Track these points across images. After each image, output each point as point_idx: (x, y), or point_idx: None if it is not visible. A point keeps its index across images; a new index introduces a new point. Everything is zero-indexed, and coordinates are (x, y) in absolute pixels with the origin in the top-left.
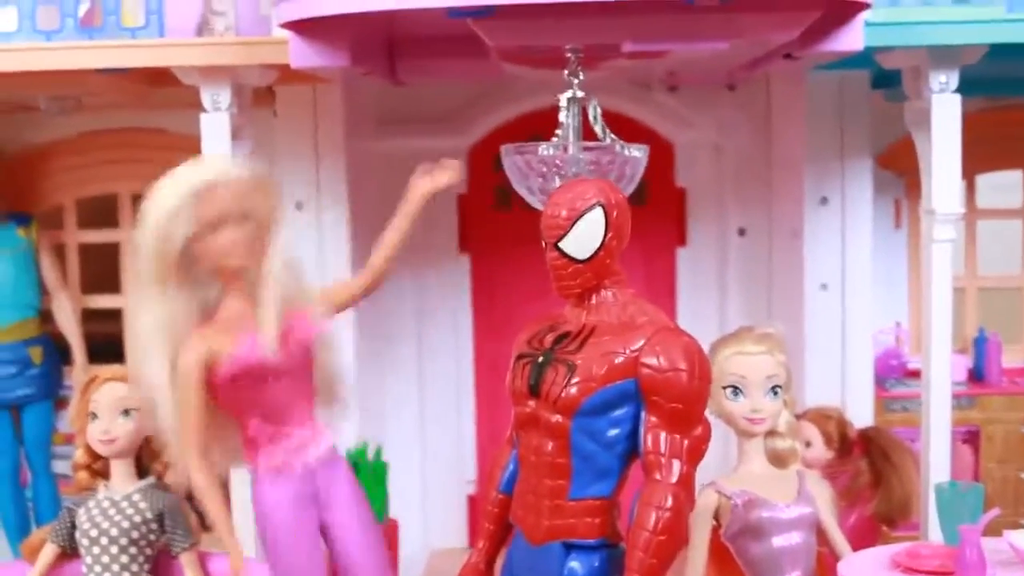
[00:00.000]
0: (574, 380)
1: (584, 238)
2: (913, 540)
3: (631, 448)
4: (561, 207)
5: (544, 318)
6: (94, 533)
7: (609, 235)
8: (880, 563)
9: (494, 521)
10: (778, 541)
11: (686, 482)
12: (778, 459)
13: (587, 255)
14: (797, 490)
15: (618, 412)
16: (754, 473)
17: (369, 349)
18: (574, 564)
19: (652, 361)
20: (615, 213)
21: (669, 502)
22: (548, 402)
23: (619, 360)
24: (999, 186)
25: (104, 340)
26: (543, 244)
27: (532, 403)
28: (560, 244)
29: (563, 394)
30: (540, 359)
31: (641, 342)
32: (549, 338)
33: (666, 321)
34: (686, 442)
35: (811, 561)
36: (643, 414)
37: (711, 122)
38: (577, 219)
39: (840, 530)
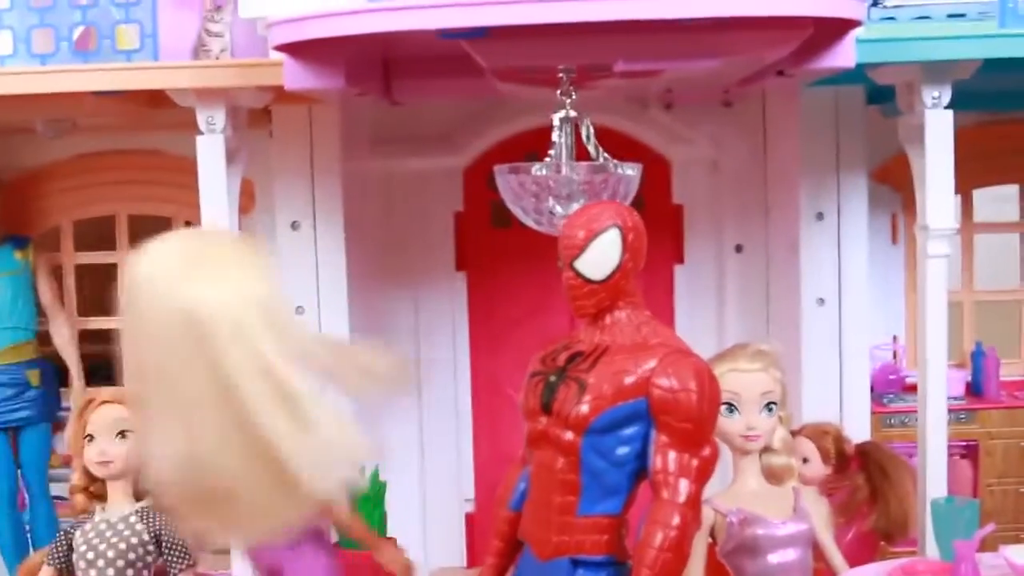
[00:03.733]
0: (585, 398)
1: (600, 259)
2: (912, 556)
3: (640, 467)
4: (578, 228)
5: (559, 338)
6: (91, 555)
7: (625, 257)
8: None
9: (503, 538)
10: (774, 558)
11: (693, 501)
12: (773, 476)
13: (603, 276)
14: (793, 507)
15: (628, 431)
16: (750, 490)
17: None
18: None
19: (663, 382)
20: (631, 236)
21: (676, 520)
22: (560, 419)
23: (630, 380)
24: (1001, 197)
25: (101, 362)
26: (559, 264)
27: (544, 420)
28: (576, 264)
29: (574, 412)
30: (553, 377)
31: (653, 363)
32: (563, 357)
33: (679, 343)
34: (694, 462)
35: None
36: (653, 433)
37: (707, 139)
38: (593, 240)
39: (838, 546)
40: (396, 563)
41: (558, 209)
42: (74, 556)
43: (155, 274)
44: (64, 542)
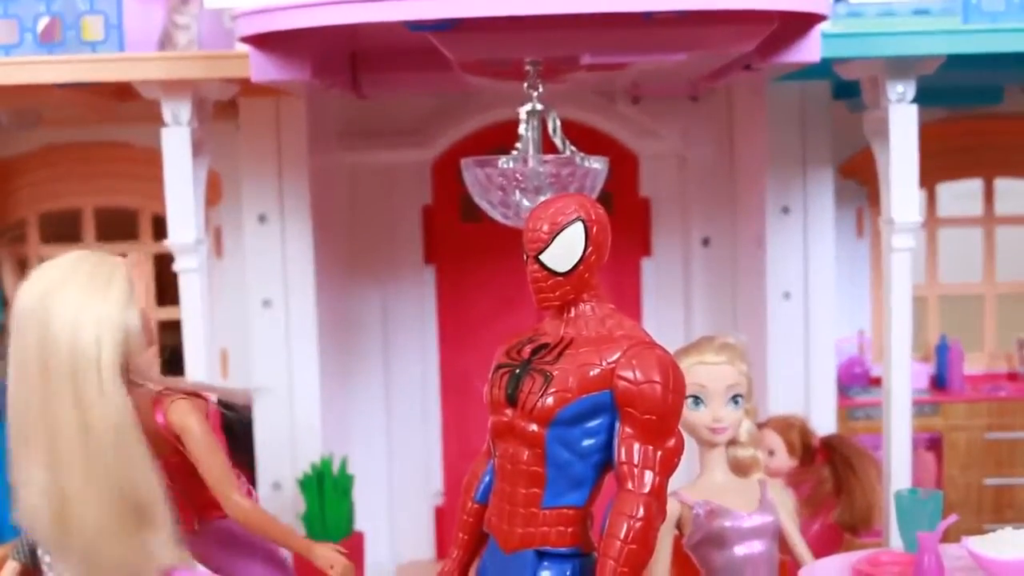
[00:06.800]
0: (550, 390)
1: (564, 252)
2: (877, 547)
3: (605, 459)
4: (543, 221)
5: (524, 330)
6: None
7: (589, 250)
8: (841, 571)
9: (468, 531)
10: (740, 550)
11: (658, 492)
12: (740, 468)
13: (566, 268)
14: (759, 499)
15: (593, 423)
16: (716, 482)
17: (334, 360)
18: (546, 572)
19: (628, 374)
20: (595, 229)
21: (640, 512)
22: (524, 411)
23: (595, 372)
24: (966, 193)
25: None
26: (524, 257)
27: (509, 412)
28: (540, 257)
29: (539, 404)
30: (518, 369)
31: (617, 355)
32: (527, 349)
33: (643, 335)
34: (659, 453)
35: (773, 570)
36: (617, 425)
37: (675, 133)
38: (558, 233)
39: (803, 538)
40: (336, 564)
41: (525, 202)
42: (40, 550)
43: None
44: (30, 536)
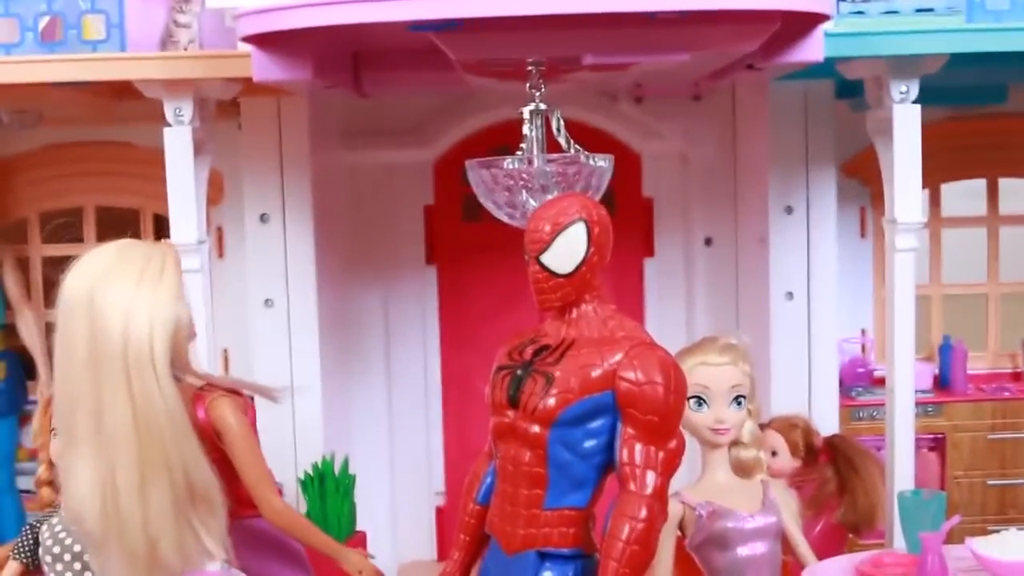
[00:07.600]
0: (552, 391)
1: (566, 253)
2: (880, 548)
3: (607, 460)
4: (544, 222)
5: (525, 331)
6: (57, 550)
7: (591, 251)
8: (844, 572)
9: (470, 532)
10: (743, 551)
11: (660, 494)
12: (742, 469)
13: (568, 270)
14: (761, 500)
15: (595, 424)
16: (718, 483)
17: (335, 360)
18: (548, 573)
19: (629, 374)
20: (597, 230)
21: (643, 513)
22: (526, 413)
23: (597, 373)
24: (970, 192)
25: None
26: (525, 258)
27: (511, 413)
28: (542, 258)
29: (541, 405)
30: (519, 371)
31: (619, 356)
32: (529, 350)
33: (644, 336)
34: (661, 454)
35: (776, 570)
36: (619, 426)
37: (677, 132)
38: (559, 234)
39: (806, 539)
40: (365, 570)
41: (532, 202)
42: (40, 550)
43: (86, 286)
44: (30, 536)
